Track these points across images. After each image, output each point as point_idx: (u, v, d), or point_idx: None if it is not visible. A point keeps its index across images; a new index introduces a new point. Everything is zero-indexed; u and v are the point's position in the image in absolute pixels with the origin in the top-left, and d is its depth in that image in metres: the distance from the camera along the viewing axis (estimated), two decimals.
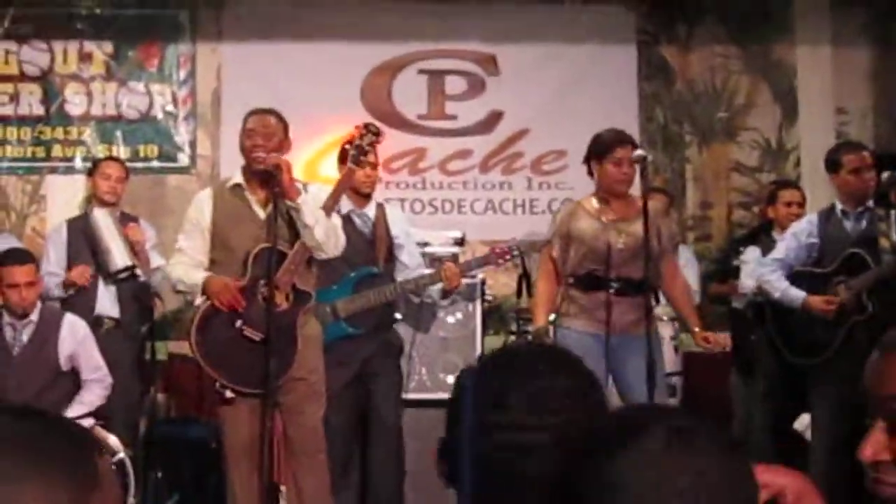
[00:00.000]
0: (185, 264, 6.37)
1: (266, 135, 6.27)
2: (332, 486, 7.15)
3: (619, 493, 1.46)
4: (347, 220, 7.40)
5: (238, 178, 6.36)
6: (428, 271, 7.48)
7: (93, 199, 8.20)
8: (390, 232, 7.51)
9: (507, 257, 7.55)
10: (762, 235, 8.47)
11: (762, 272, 7.48)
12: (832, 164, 7.35)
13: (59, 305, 7.70)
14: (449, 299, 7.77)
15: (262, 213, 6.26)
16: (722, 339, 7.02)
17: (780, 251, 7.46)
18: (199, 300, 6.34)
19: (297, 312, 6.32)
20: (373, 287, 7.28)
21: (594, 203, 6.88)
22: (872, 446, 1.89)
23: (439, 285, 7.44)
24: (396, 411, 7.53)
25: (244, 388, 6.21)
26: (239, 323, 6.23)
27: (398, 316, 7.70)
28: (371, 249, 7.28)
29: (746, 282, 7.99)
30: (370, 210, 7.55)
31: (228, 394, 6.22)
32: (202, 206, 6.40)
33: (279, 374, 6.13)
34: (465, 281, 8.02)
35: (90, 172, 8.31)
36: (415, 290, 7.50)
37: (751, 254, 8.18)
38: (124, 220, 8.08)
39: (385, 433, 7.46)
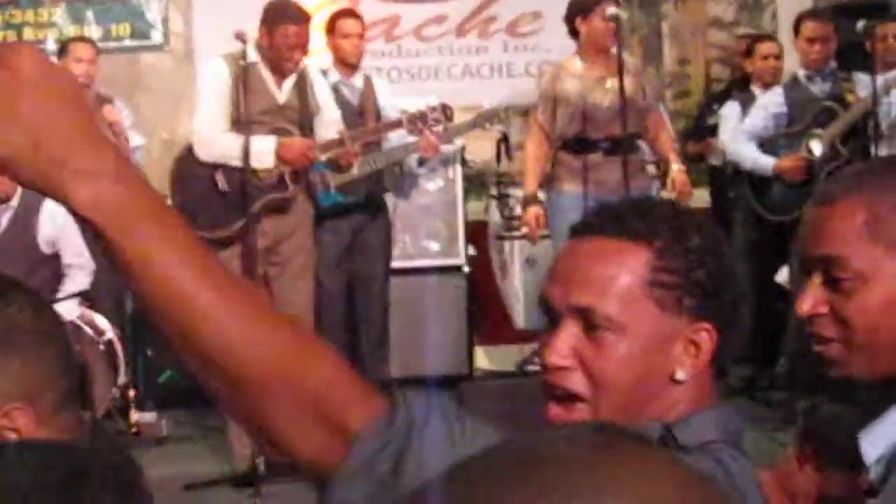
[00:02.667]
0: (223, 130, 6.50)
1: (305, 47, 6.58)
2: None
3: None
4: (335, 90, 7.47)
5: (253, 56, 6.45)
6: (412, 139, 7.51)
7: None
8: (377, 103, 7.54)
9: (492, 121, 7.62)
10: (741, 90, 8.44)
11: (732, 144, 7.57)
12: (795, 28, 7.47)
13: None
14: (426, 167, 7.80)
15: (278, 95, 6.40)
16: (685, 190, 7.01)
17: (748, 123, 7.54)
18: (265, 164, 6.44)
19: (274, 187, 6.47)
20: (363, 156, 7.31)
21: (577, 63, 6.91)
22: (811, 299, 1.87)
23: (416, 154, 7.52)
24: (383, 286, 7.62)
25: (204, 233, 6.42)
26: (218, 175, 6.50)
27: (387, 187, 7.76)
28: (360, 120, 7.32)
29: (726, 138, 7.99)
30: (357, 80, 7.61)
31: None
32: (222, 76, 6.55)
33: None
34: (444, 147, 8.04)
35: (59, 54, 8.24)
36: (398, 160, 7.55)
37: (729, 109, 8.15)
38: (100, 100, 8.03)
39: (372, 307, 7.56)
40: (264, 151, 6.41)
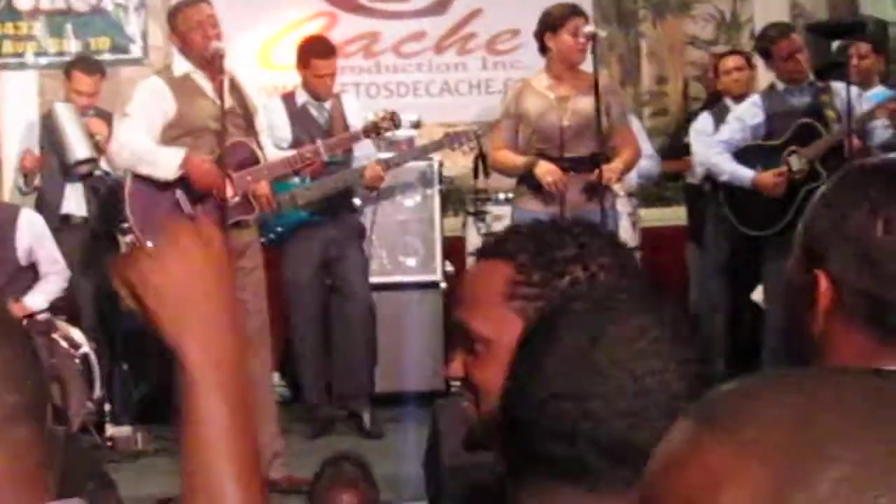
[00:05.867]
0: (145, 132, 6.36)
1: (213, 21, 6.35)
2: (306, 373, 7.35)
3: (557, 383, 1.47)
4: (304, 111, 7.52)
5: (185, 66, 6.38)
6: (385, 155, 7.59)
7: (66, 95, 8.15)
8: (347, 122, 7.56)
9: (461, 141, 7.67)
10: (715, 104, 8.46)
11: (708, 155, 7.56)
12: (764, 53, 7.49)
13: (33, 204, 7.75)
14: (374, 192, 7.83)
15: (217, 100, 6.33)
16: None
17: (724, 133, 7.52)
18: (170, 176, 6.31)
19: (239, 210, 6.40)
20: (330, 175, 7.35)
21: (544, 80, 6.90)
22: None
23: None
24: (367, 289, 7.64)
25: None
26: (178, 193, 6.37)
27: (357, 202, 7.77)
28: (328, 138, 7.33)
29: (700, 150, 7.97)
30: (326, 102, 7.63)
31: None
32: (161, 91, 6.40)
33: None
34: (421, 164, 8.11)
35: (67, 70, 8.22)
36: (348, 184, 7.58)
37: (703, 122, 8.16)
38: (101, 115, 8.03)
39: (358, 311, 7.58)
40: (171, 162, 6.27)
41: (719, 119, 7.87)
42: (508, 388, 1.55)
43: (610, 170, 6.75)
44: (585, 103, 6.69)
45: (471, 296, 1.97)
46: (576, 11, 6.83)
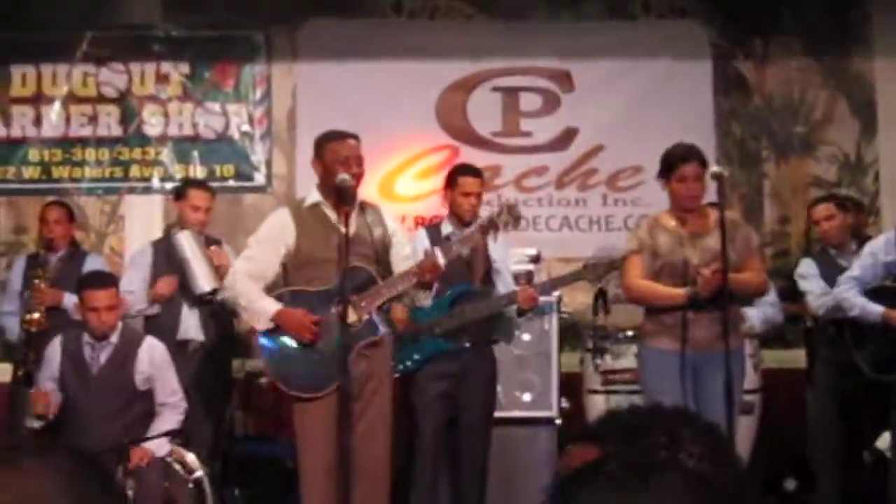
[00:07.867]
0: (252, 278, 6.43)
1: (359, 160, 6.43)
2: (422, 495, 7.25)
3: None
4: (447, 241, 7.50)
5: (315, 196, 6.45)
6: (512, 289, 7.51)
7: (178, 222, 8.21)
8: (489, 255, 7.54)
9: (601, 272, 7.57)
10: (820, 249, 8.32)
11: (839, 290, 7.40)
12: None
13: (142, 327, 7.77)
14: (525, 317, 7.77)
15: (343, 229, 6.34)
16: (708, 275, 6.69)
17: (856, 269, 7.38)
18: (260, 326, 6.38)
19: (365, 333, 6.36)
20: (469, 304, 7.34)
21: (670, 218, 6.85)
22: None
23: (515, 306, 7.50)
24: (484, 437, 7.54)
25: (304, 394, 6.30)
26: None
27: (496, 338, 7.72)
28: (468, 270, 7.37)
29: (812, 290, 7.83)
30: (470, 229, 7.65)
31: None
32: (285, 225, 6.48)
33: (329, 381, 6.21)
34: (541, 298, 8.03)
35: (177, 196, 8.27)
36: (499, 309, 7.52)
37: (805, 267, 8.05)
38: (208, 242, 8.11)
39: (471, 461, 7.50)
40: (263, 314, 6.36)
41: (822, 264, 7.76)
42: None
43: (733, 276, 6.60)
44: (712, 241, 6.61)
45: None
46: (685, 157, 6.75)
